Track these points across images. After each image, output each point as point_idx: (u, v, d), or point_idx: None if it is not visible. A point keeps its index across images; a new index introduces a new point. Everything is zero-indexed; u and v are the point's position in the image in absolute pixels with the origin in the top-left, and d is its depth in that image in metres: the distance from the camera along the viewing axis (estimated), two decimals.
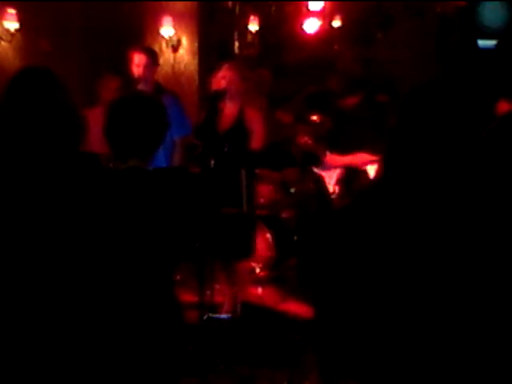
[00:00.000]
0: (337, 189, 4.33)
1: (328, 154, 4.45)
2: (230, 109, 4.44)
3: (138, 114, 2.24)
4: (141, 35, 7.35)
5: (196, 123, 4.70)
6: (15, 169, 1.99)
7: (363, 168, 4.03)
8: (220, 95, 4.38)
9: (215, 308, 4.51)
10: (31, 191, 1.96)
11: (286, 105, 6.98)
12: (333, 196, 4.36)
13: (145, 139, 2.25)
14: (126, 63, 4.68)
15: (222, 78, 4.38)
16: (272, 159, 5.44)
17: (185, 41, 7.47)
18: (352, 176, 4.25)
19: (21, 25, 6.39)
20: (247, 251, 4.55)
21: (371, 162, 4.01)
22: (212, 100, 4.50)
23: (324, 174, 4.42)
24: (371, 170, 3.94)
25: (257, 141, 4.42)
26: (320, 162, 4.51)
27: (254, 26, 7.39)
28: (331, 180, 4.36)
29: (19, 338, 1.96)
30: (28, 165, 1.98)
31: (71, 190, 1.99)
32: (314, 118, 5.86)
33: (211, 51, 7.42)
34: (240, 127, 4.41)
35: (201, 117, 4.57)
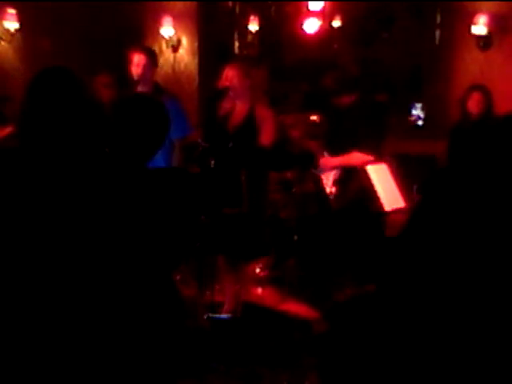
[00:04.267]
0: (334, 190, 4.32)
1: (324, 155, 4.44)
2: (239, 107, 4.46)
3: (140, 114, 2.24)
4: (141, 35, 7.35)
5: (202, 124, 4.70)
6: (42, 169, 2.00)
7: (360, 168, 4.02)
8: (221, 93, 4.40)
9: (215, 308, 4.51)
10: (56, 191, 1.98)
11: (283, 105, 6.98)
12: (330, 197, 4.35)
13: (146, 140, 2.25)
14: (125, 63, 4.67)
15: (225, 79, 4.40)
16: (275, 160, 5.44)
17: (185, 41, 7.47)
18: (348, 176, 4.24)
19: (21, 25, 6.39)
20: (264, 251, 4.58)
21: (367, 162, 4.00)
22: (212, 100, 4.51)
23: (321, 175, 4.43)
24: (371, 171, 3.93)
25: (266, 138, 4.41)
26: (317, 164, 4.50)
27: (254, 26, 7.39)
28: (328, 181, 4.35)
29: (18, 334, 1.97)
30: (53, 164, 2.00)
31: (87, 186, 2.01)
32: (314, 118, 5.87)
33: (211, 51, 7.42)
34: (250, 125, 4.42)
35: (204, 119, 4.58)
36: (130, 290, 2.12)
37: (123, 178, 2.20)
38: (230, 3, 7.42)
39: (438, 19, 6.68)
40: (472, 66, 6.46)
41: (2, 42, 6.41)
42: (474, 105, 5.48)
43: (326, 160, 4.37)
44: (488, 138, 1.67)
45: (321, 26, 7.04)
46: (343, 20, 7.16)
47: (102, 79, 5.13)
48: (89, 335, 2.01)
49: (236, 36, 7.43)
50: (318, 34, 7.07)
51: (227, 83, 4.38)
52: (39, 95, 2.06)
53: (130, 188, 2.18)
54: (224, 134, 4.38)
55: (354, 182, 4.15)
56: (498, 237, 1.57)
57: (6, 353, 1.97)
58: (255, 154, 4.39)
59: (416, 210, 1.82)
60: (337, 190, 4.30)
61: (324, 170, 4.37)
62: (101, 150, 2.12)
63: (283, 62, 7.33)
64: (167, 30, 7.32)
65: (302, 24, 7.07)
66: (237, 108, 4.47)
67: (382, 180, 3.90)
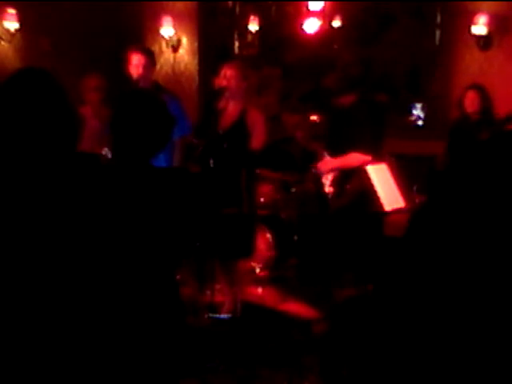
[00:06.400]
0: (331, 189, 4.33)
1: (325, 155, 4.44)
2: (232, 107, 4.46)
3: (146, 110, 2.24)
4: (141, 35, 7.35)
5: (196, 123, 4.72)
6: (12, 171, 1.98)
7: (360, 168, 4.02)
8: (218, 94, 4.40)
9: (215, 308, 4.51)
10: (29, 193, 1.96)
11: (286, 105, 6.99)
12: (328, 196, 4.36)
13: (152, 137, 2.25)
14: (123, 64, 4.66)
15: (223, 78, 4.40)
16: (271, 159, 5.44)
17: (185, 41, 7.47)
18: (346, 176, 4.24)
19: (21, 25, 6.39)
20: (247, 251, 4.56)
21: (365, 162, 4.00)
22: (210, 99, 4.52)
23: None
24: (371, 171, 3.92)
25: (257, 142, 4.43)
26: (318, 162, 4.51)
27: (254, 26, 7.38)
28: (327, 181, 4.36)
29: (18, 337, 1.96)
30: (25, 166, 1.97)
31: (69, 189, 1.99)
32: (314, 118, 5.87)
33: (211, 51, 7.42)
34: (241, 127, 4.42)
35: (200, 116, 4.59)
36: (130, 289, 2.12)
37: (125, 177, 2.20)
38: (230, 3, 7.42)
39: (438, 19, 6.67)
40: (472, 66, 6.46)
41: (2, 42, 6.41)
42: (469, 104, 5.50)
43: (325, 163, 4.38)
44: (489, 139, 1.67)
45: (321, 26, 7.03)
46: (343, 20, 7.15)
47: (90, 82, 5.03)
48: (90, 335, 2.01)
49: (236, 36, 7.43)
50: (318, 34, 7.06)
51: (224, 82, 4.38)
52: (12, 96, 2.02)
53: (131, 187, 2.18)
54: (214, 132, 4.36)
55: (354, 182, 4.16)
56: (502, 240, 1.56)
57: (6, 354, 1.97)
58: (247, 156, 4.40)
59: (420, 211, 1.82)
60: (335, 190, 4.30)
61: (322, 173, 4.38)
62: (73, 152, 2.07)
63: (283, 62, 7.33)
64: (167, 30, 7.33)
65: (301, 24, 7.06)
66: (229, 108, 4.46)
67: (382, 180, 3.90)
